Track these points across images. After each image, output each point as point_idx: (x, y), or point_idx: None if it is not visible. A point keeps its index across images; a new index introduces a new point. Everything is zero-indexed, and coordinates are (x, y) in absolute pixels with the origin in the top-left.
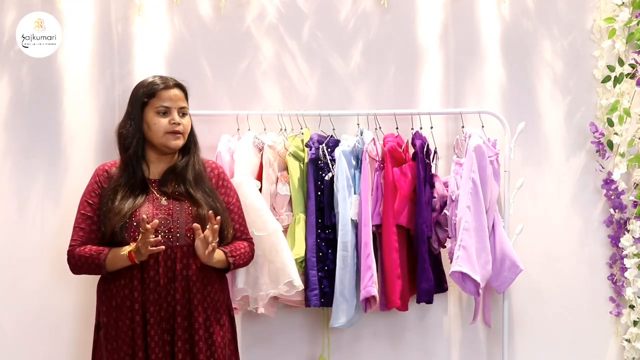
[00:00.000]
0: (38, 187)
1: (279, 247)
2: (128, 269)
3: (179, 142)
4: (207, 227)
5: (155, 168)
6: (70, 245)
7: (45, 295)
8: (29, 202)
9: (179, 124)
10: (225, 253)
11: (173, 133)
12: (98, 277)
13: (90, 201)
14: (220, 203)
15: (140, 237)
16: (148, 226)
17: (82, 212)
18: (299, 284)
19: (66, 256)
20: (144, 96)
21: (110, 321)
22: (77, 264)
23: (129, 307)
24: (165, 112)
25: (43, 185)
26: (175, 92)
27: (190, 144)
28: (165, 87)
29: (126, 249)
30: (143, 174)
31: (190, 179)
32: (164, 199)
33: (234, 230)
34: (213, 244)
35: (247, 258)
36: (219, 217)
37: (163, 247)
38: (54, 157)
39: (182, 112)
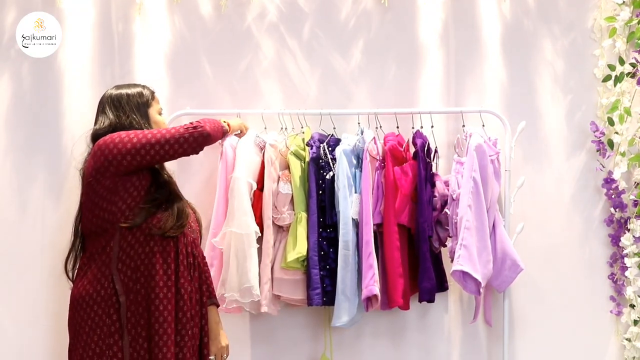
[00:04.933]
0: (38, 187)
1: (248, 252)
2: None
3: None
4: None
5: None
6: (188, 126)
7: (45, 294)
8: (29, 202)
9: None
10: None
11: None
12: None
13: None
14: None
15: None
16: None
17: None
18: (256, 293)
19: (190, 131)
20: (149, 98)
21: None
22: (209, 131)
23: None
24: (161, 114)
25: (43, 185)
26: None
27: None
28: (154, 92)
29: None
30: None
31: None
32: None
33: None
34: None
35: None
36: None
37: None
38: (54, 157)
39: None
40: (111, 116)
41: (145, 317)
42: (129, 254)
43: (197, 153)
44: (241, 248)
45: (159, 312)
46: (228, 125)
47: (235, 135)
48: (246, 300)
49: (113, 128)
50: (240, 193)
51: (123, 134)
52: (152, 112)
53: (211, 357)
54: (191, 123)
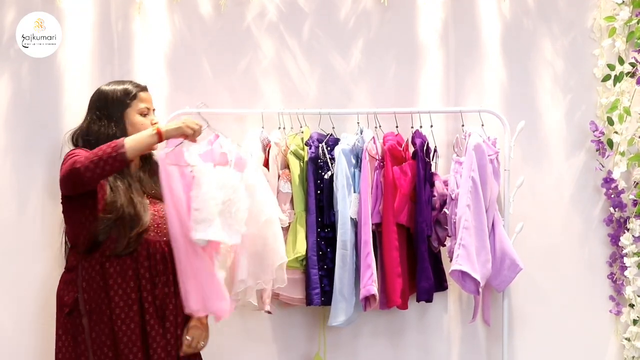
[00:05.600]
0: (38, 186)
1: (280, 235)
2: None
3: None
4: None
5: (129, 168)
6: (69, 162)
7: (45, 294)
8: (29, 201)
9: (157, 123)
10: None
11: None
12: None
13: (82, 149)
14: None
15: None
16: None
17: (78, 150)
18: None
19: (65, 175)
20: (126, 97)
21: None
22: (89, 158)
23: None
24: (146, 114)
25: (43, 184)
26: (149, 94)
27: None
28: (143, 89)
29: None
30: (129, 171)
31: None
32: (145, 197)
33: None
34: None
35: None
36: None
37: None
38: (54, 156)
39: (154, 113)
40: (88, 118)
41: (111, 338)
42: (91, 274)
43: (115, 172)
44: (276, 232)
45: (122, 332)
46: (158, 132)
47: (185, 140)
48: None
49: (84, 132)
50: (264, 185)
51: (68, 156)
52: (131, 113)
53: (187, 337)
54: (109, 144)
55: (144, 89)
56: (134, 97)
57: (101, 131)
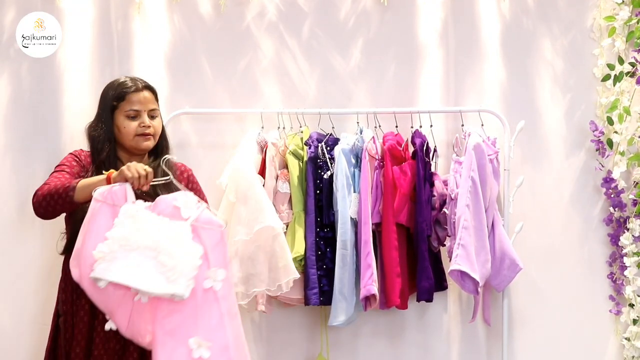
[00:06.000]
0: (38, 185)
1: (285, 243)
2: None
3: (150, 144)
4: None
5: None
6: (39, 187)
7: (45, 294)
8: (29, 201)
9: (148, 126)
10: None
11: (143, 135)
12: None
13: (67, 164)
14: None
15: (140, 167)
16: (150, 175)
17: (58, 170)
18: (289, 285)
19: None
20: (114, 99)
21: (72, 311)
22: (44, 193)
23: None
24: (135, 116)
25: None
26: (145, 94)
27: (161, 146)
28: (135, 90)
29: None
30: None
31: (161, 183)
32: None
33: None
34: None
35: None
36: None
37: (147, 187)
38: (54, 156)
39: (152, 115)
40: (92, 119)
41: (87, 339)
42: (68, 275)
43: (66, 211)
44: (280, 240)
45: (98, 336)
46: (108, 177)
47: (128, 184)
48: (280, 290)
49: (91, 128)
50: (261, 190)
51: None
52: (118, 115)
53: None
54: (64, 185)
55: (138, 89)
56: (122, 98)
57: (94, 136)
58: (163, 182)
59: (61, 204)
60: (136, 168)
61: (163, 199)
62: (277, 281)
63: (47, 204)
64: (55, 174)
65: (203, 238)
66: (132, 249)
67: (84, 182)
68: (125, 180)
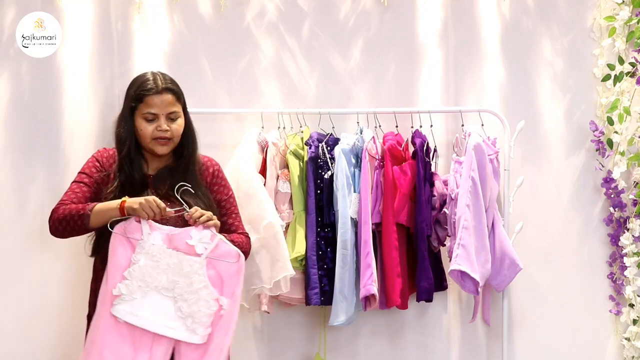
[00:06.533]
0: (38, 186)
1: (283, 240)
2: None
3: (165, 149)
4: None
5: (152, 164)
6: (57, 204)
7: (44, 294)
8: (29, 201)
9: (166, 130)
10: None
11: (159, 139)
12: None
13: (88, 172)
14: (212, 206)
15: (154, 205)
16: (164, 210)
17: (78, 180)
18: (287, 284)
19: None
20: (132, 100)
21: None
22: (59, 217)
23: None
24: (153, 119)
25: (43, 184)
26: (164, 97)
27: (186, 146)
28: (155, 93)
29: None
30: (142, 172)
31: (183, 182)
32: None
33: (228, 225)
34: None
35: (245, 249)
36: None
37: (169, 213)
38: (54, 155)
39: (172, 117)
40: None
41: None
42: (97, 275)
43: (82, 234)
44: (279, 237)
45: None
46: (122, 206)
47: (139, 221)
48: (280, 290)
49: (116, 124)
50: (262, 189)
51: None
52: (137, 116)
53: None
54: (81, 207)
55: (157, 91)
56: (140, 100)
57: (118, 133)
58: (176, 215)
59: (77, 230)
60: (150, 207)
61: (178, 235)
62: (274, 278)
63: (63, 228)
64: (74, 186)
65: (220, 270)
66: (150, 289)
67: (98, 208)
68: (139, 217)
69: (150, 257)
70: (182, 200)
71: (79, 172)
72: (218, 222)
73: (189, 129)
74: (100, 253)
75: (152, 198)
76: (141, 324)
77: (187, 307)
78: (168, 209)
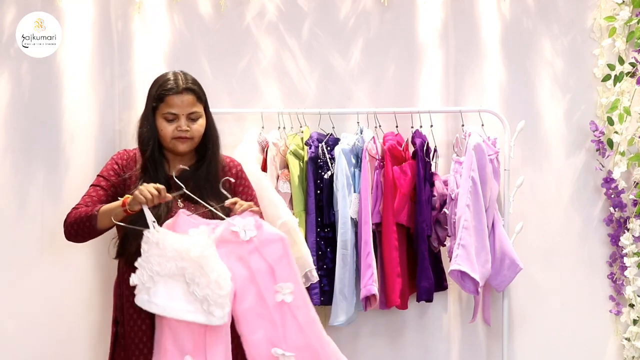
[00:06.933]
0: (38, 186)
1: (301, 238)
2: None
3: (186, 147)
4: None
5: (175, 165)
6: (72, 208)
7: (45, 294)
8: (29, 201)
9: (186, 130)
10: None
11: (179, 138)
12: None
13: (105, 175)
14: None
15: (150, 188)
16: (162, 192)
17: (95, 184)
18: (315, 275)
19: (81, 216)
20: (153, 100)
21: (124, 319)
22: (71, 221)
23: (136, 308)
24: (173, 119)
25: (43, 184)
26: (185, 97)
27: (208, 146)
28: (175, 93)
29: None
30: (165, 173)
31: (205, 183)
32: (180, 200)
33: None
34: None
35: None
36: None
37: (168, 197)
38: (54, 155)
39: (192, 117)
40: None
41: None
42: (122, 278)
43: (94, 237)
44: (296, 234)
45: (134, 345)
46: (123, 203)
47: (145, 207)
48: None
49: (138, 124)
50: (271, 187)
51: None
52: (158, 115)
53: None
54: (89, 210)
55: (178, 91)
56: (161, 100)
57: (140, 133)
58: (178, 194)
59: (88, 232)
60: (147, 189)
61: (222, 224)
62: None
63: (75, 232)
64: (91, 190)
65: (265, 254)
66: (160, 277)
67: (103, 209)
68: (140, 204)
69: (155, 246)
70: (226, 193)
71: (97, 175)
72: (259, 210)
73: (210, 129)
74: (124, 255)
75: (149, 184)
76: (161, 312)
77: (200, 291)
78: (168, 194)
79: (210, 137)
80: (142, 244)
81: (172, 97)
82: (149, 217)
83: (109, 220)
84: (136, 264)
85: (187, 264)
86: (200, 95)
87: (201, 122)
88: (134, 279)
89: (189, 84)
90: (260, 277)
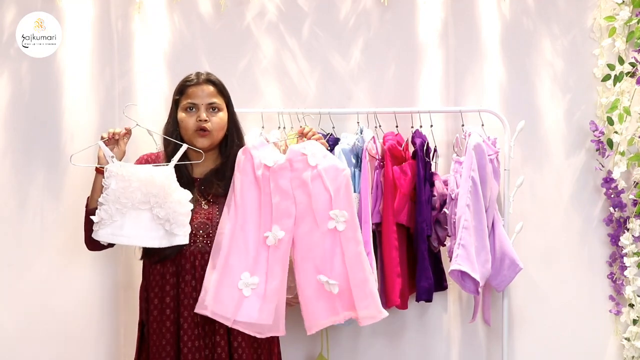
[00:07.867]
0: (38, 185)
1: None
2: (162, 275)
3: (205, 141)
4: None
5: (198, 167)
6: None
7: (45, 294)
8: (29, 200)
9: (205, 120)
10: None
11: (199, 131)
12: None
13: None
14: None
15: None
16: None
17: None
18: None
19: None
20: (176, 94)
21: (149, 321)
22: (84, 228)
23: (160, 310)
24: (192, 109)
25: (43, 183)
26: (205, 87)
27: (231, 144)
28: (195, 84)
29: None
30: (188, 173)
31: (228, 180)
32: (204, 202)
33: None
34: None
35: None
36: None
37: (124, 131)
38: (54, 155)
39: (212, 108)
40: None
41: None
42: (148, 278)
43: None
44: None
45: (156, 347)
46: (97, 170)
47: (100, 142)
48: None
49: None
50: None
51: None
52: (180, 109)
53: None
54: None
55: (198, 82)
56: (182, 92)
57: (166, 127)
58: (164, 165)
59: (86, 223)
60: (106, 131)
61: (292, 149)
62: None
63: (87, 237)
64: None
65: (326, 182)
66: (127, 208)
67: (89, 197)
68: (108, 143)
69: (120, 179)
70: (134, 121)
71: None
72: (327, 145)
73: (234, 126)
74: (149, 257)
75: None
76: (126, 242)
77: (163, 213)
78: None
79: (233, 134)
80: (104, 179)
81: (192, 87)
82: (107, 152)
83: (95, 194)
84: (101, 200)
85: (153, 190)
86: (220, 89)
87: (221, 116)
88: (100, 214)
89: (207, 76)
90: (318, 203)
